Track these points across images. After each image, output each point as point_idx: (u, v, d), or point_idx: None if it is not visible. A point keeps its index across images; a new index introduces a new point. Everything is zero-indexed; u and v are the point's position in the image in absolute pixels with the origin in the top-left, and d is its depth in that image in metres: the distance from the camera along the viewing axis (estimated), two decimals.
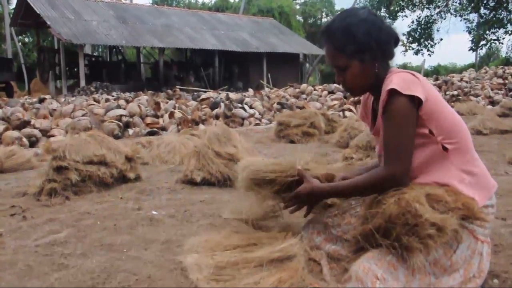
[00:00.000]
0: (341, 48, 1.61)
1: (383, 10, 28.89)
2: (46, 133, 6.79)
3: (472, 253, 1.49)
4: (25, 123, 6.83)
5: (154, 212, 2.73)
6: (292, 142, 5.92)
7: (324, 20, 43.25)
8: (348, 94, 1.91)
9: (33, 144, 6.27)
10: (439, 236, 1.37)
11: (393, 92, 1.50)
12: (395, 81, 1.51)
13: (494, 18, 25.82)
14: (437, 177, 1.55)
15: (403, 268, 1.40)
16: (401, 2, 27.06)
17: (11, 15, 26.30)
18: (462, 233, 1.46)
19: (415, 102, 1.51)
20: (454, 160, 1.56)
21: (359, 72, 1.63)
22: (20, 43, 34.21)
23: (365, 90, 1.74)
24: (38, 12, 20.98)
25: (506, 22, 25.99)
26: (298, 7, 41.88)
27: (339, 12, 1.74)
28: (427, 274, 1.43)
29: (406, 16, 33.24)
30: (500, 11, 25.82)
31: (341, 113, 9.12)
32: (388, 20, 29.39)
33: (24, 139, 6.11)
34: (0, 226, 2.50)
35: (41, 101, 10.34)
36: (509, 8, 25.43)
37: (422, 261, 1.37)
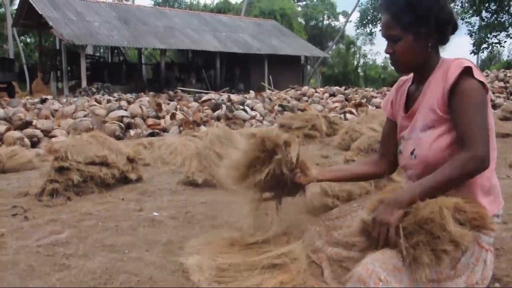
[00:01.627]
0: (399, 17, 1.56)
1: None
2: (47, 133, 6.80)
3: (476, 260, 1.48)
4: (27, 124, 6.85)
5: (155, 214, 2.74)
6: None
7: (326, 22, 43.32)
8: (393, 68, 1.82)
9: (34, 144, 6.29)
10: (453, 251, 1.36)
11: (467, 72, 1.47)
12: (467, 63, 1.49)
13: (495, 22, 25.80)
14: None
15: (408, 272, 1.40)
16: None
17: (13, 16, 26.39)
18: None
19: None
20: None
21: (410, 47, 1.58)
22: (22, 44, 34.30)
23: (411, 69, 1.67)
24: (40, 13, 21.05)
25: (507, 25, 25.99)
26: (300, 9, 41.96)
27: None
28: (431, 280, 1.43)
29: None
30: (502, 14, 25.81)
31: (342, 115, 9.13)
32: None
33: (26, 139, 6.12)
34: (1, 226, 2.50)
35: (43, 101, 10.37)
36: (511, 11, 25.42)
37: (431, 273, 1.36)
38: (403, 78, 1.83)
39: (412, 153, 1.64)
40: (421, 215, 1.40)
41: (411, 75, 1.77)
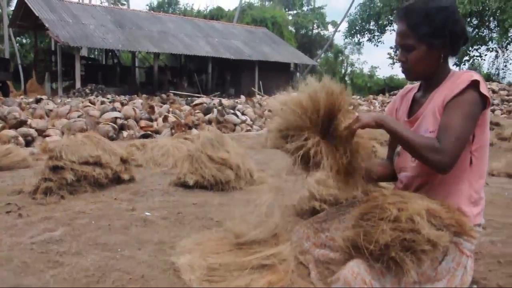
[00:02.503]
0: (415, 27, 1.56)
1: (372, 23, 29.13)
2: (42, 133, 6.72)
3: (456, 265, 1.51)
4: (22, 123, 6.75)
5: (147, 213, 2.73)
6: None
7: (315, 31, 43.58)
8: (404, 74, 1.78)
9: (29, 143, 6.21)
10: (431, 251, 1.37)
11: (474, 84, 1.49)
12: (477, 76, 1.51)
13: (477, 36, 26.20)
14: (452, 188, 1.57)
15: (391, 275, 1.41)
16: (389, 16, 27.36)
17: (10, 17, 26.12)
18: (449, 246, 1.47)
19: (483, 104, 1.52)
20: (472, 176, 1.57)
21: (423, 57, 1.59)
22: (17, 44, 33.88)
23: (421, 77, 1.68)
24: (37, 15, 20.84)
25: (487, 39, 26.41)
26: (290, 18, 42.09)
27: None
28: (413, 283, 1.45)
29: (394, 30, 33.61)
30: (483, 29, 26.21)
31: None
32: (376, 33, 29.67)
33: (20, 138, 6.05)
34: None
35: (38, 101, 10.25)
36: (491, 26, 25.86)
37: (413, 276, 1.36)
38: (409, 86, 1.85)
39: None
40: (395, 224, 1.40)
41: (418, 83, 1.78)
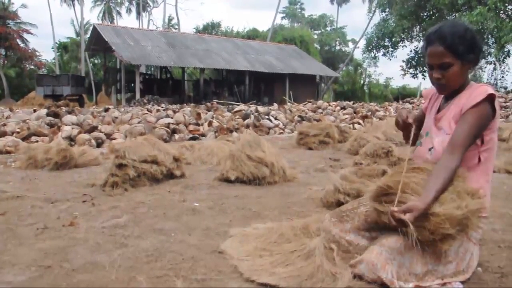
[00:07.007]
0: (452, 47, 1.54)
1: (386, 40, 28.44)
2: (109, 136, 6.91)
3: (465, 251, 1.50)
4: (94, 128, 6.99)
5: (196, 204, 2.75)
6: (310, 149, 5.87)
7: (337, 47, 42.92)
8: (438, 90, 1.67)
9: (99, 145, 6.40)
10: (459, 234, 1.39)
11: (489, 98, 1.50)
12: (491, 90, 1.52)
13: None
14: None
15: (409, 255, 1.41)
16: (401, 34, 26.71)
17: (86, 42, 27.27)
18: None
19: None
20: (480, 175, 1.58)
21: (459, 71, 1.57)
22: (91, 64, 35.30)
23: (454, 89, 1.64)
24: (106, 40, 21.64)
25: (486, 54, 25.81)
26: (315, 36, 41.74)
27: (442, 22, 1.65)
28: (427, 263, 1.43)
29: (406, 46, 32.93)
30: (482, 45, 25.54)
31: (351, 125, 9.00)
32: (390, 49, 28.97)
33: (93, 141, 6.23)
34: (75, 210, 2.57)
35: (106, 110, 10.61)
36: (489, 43, 25.24)
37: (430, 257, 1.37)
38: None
39: (430, 149, 1.66)
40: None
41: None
